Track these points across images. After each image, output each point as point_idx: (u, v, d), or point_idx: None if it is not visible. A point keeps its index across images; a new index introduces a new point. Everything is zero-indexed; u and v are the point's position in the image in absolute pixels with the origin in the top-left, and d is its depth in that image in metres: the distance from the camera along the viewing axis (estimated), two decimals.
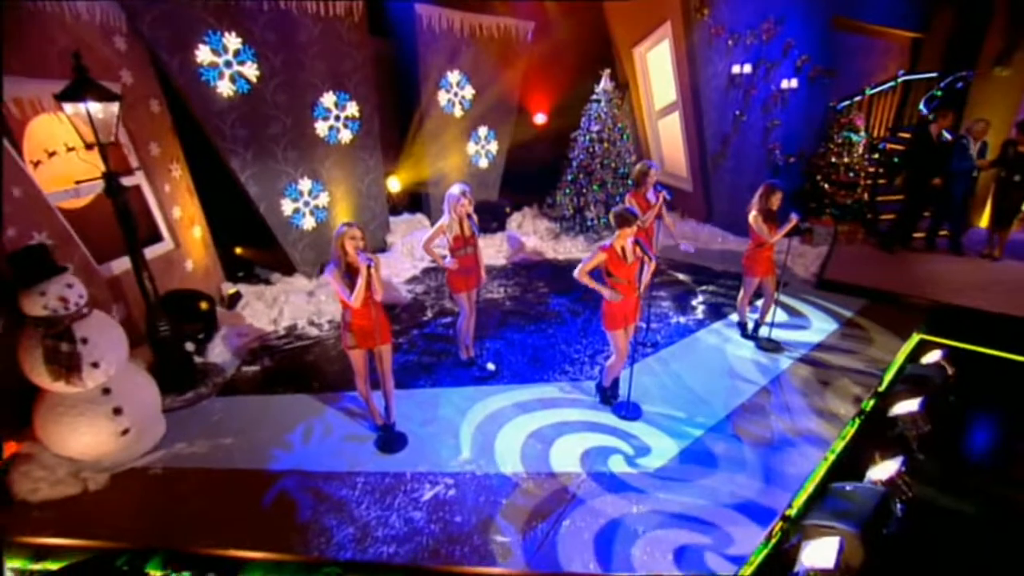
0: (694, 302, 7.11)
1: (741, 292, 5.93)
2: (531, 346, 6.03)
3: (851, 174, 8.67)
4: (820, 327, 6.35)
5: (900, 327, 6.22)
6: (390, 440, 4.64)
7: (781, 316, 6.51)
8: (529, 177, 9.99)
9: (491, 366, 5.56)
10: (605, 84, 8.66)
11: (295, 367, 5.83)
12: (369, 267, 4.11)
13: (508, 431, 4.74)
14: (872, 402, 5.05)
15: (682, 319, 6.65)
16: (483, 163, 9.80)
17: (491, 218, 9.46)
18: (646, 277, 4.38)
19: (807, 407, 4.96)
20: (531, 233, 9.53)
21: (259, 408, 5.23)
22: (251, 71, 6.75)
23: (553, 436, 4.66)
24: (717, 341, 6.08)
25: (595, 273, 4.39)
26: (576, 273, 4.29)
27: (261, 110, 6.96)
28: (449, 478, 4.25)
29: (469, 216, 5.02)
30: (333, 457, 4.58)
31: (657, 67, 9.40)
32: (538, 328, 6.43)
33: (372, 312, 4.24)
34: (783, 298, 6.92)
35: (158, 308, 5.21)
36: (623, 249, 4.32)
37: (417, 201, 9.47)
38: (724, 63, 8.48)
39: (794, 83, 8.56)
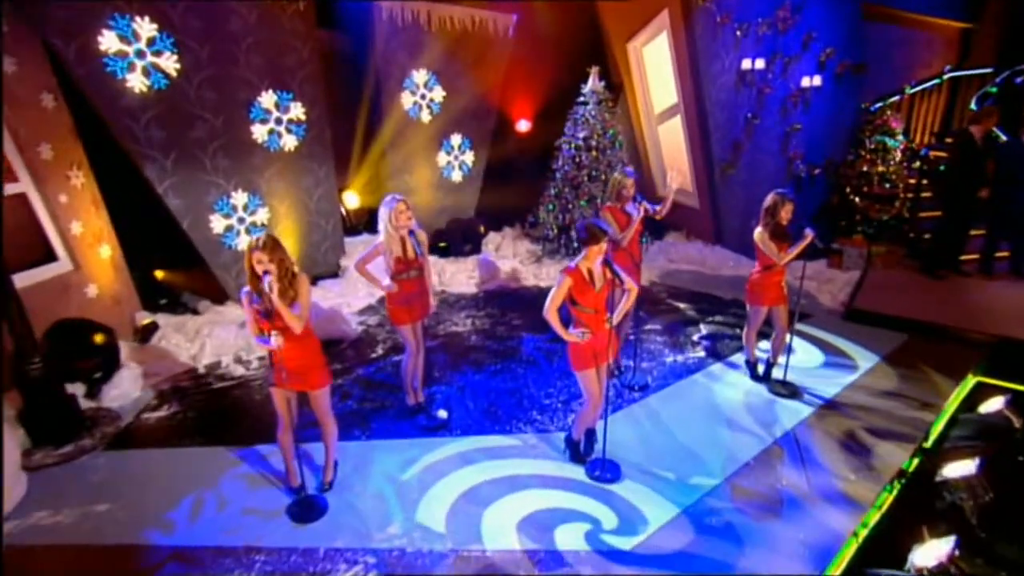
0: (696, 336, 6.91)
1: (747, 325, 5.64)
2: (494, 390, 5.80)
3: (887, 185, 8.48)
4: (849, 368, 6.13)
5: (951, 367, 5.99)
6: (305, 507, 4.30)
7: (803, 355, 6.34)
8: (511, 193, 9.85)
9: (442, 414, 5.30)
10: (593, 83, 8.51)
11: (210, 413, 5.56)
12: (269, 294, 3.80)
13: (452, 495, 4.42)
14: (916, 462, 4.74)
15: (679, 357, 6.42)
16: (456, 176, 9.77)
17: (462, 239, 9.26)
18: (621, 307, 4.14)
19: (830, 468, 4.63)
20: (510, 256, 9.37)
21: (155, 464, 4.84)
22: (169, 63, 6.53)
23: (508, 502, 4.34)
24: (720, 384, 5.84)
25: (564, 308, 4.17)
26: (545, 311, 4.04)
27: (183, 109, 6.72)
28: (371, 555, 3.90)
29: (411, 233, 4.76)
30: (230, 530, 4.18)
31: (655, 64, 9.32)
32: (506, 368, 6.23)
33: (299, 349, 3.99)
34: (805, 331, 6.79)
35: (28, 340, 4.73)
36: (590, 272, 4.07)
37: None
38: (732, 57, 8.34)
39: (817, 81, 8.46)
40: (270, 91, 7.38)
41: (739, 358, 6.26)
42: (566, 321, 4.21)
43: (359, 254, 5.09)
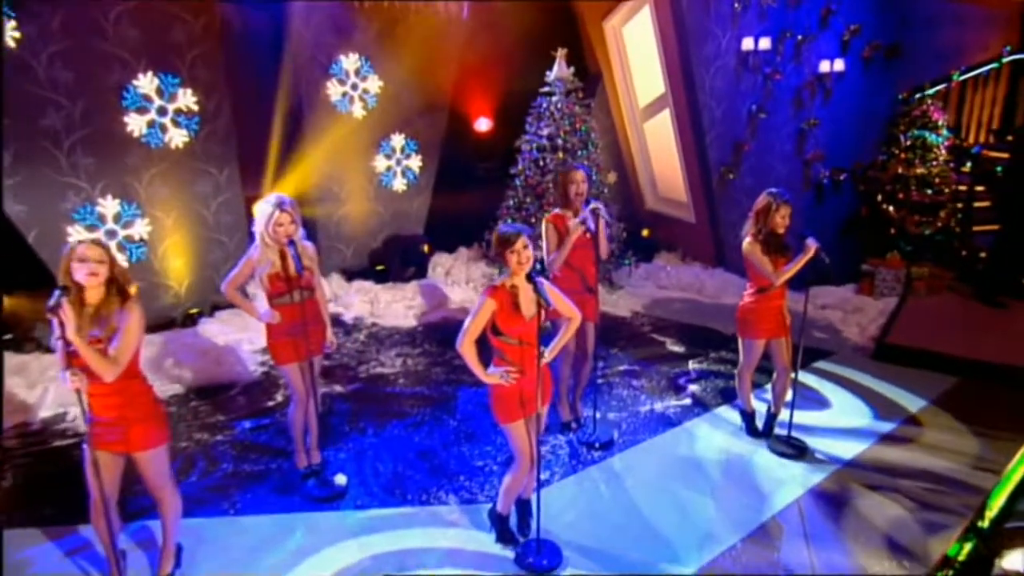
0: (682, 380, 6.77)
1: (740, 363, 5.43)
2: (416, 447, 5.58)
3: (929, 191, 8.40)
4: (878, 419, 5.97)
5: (1014, 421, 5.77)
6: None
7: (817, 403, 6.25)
8: (468, 205, 9.59)
9: (340, 480, 5.02)
10: (560, 70, 8.33)
11: (35, 482, 5.18)
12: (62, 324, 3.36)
13: None
14: (966, 547, 4.05)
15: (658, 406, 6.24)
16: (398, 185, 9.51)
17: (403, 261, 9.04)
18: (558, 339, 4.02)
19: (847, 553, 4.29)
20: (463, 282, 9.15)
21: None
22: (6, 31, 6.17)
23: None
24: (707, 440, 5.66)
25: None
26: (459, 343, 3.85)
27: (25, 90, 6.34)
28: None
29: (291, 243, 4.51)
30: None
31: (637, 47, 9.29)
32: (435, 418, 6.03)
33: (117, 396, 3.62)
34: (825, 371, 6.79)
35: None
36: (516, 293, 3.84)
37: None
38: (730, 36, 8.37)
39: (839, 65, 8.46)
40: (150, 73, 7.06)
41: (732, 408, 6.12)
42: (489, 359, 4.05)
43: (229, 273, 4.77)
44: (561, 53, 8.36)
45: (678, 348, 7.51)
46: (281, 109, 8.50)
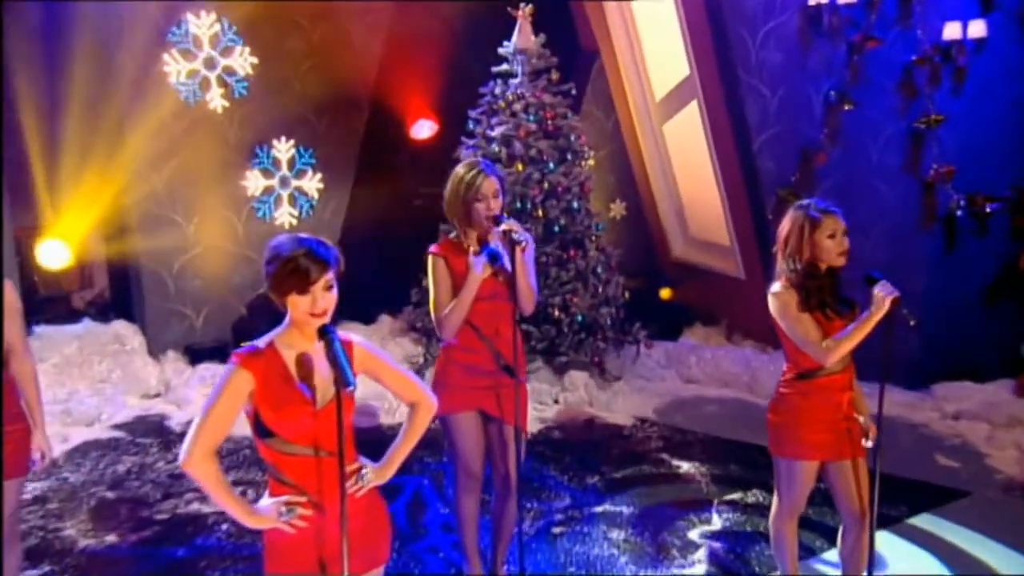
0: (697, 533, 6.18)
1: (774, 505, 4.87)
2: None
3: None
4: None
5: None
6: None
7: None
8: (398, 251, 9.17)
9: None
10: (522, 39, 8.24)
11: None
12: None
13: None
14: None
15: None
16: (284, 217, 9.29)
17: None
18: (397, 446, 3.61)
19: None
20: None
21: None
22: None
23: None
24: None
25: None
26: (184, 456, 3.31)
27: None
28: None
29: None
30: None
31: (649, 11, 9.38)
32: None
33: None
34: (948, 525, 6.17)
35: None
36: (299, 358, 3.40)
37: (123, 294, 9.00)
38: None
39: (978, 29, 8.00)
40: None
41: None
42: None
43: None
44: (526, 11, 8.24)
45: (702, 479, 7.08)
46: (82, 96, 8.37)
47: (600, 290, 8.38)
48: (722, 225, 9.36)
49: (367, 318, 9.38)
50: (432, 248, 4.82)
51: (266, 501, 3.32)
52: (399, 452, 3.51)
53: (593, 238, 8.60)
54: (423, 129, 10.08)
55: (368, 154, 9.63)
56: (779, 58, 8.39)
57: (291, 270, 3.10)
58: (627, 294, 8.49)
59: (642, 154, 10.11)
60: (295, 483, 3.28)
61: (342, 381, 3.05)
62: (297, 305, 3.13)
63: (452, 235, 4.86)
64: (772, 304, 4.50)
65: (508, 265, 4.62)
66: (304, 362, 3.24)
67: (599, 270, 8.40)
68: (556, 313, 8.16)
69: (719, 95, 8.90)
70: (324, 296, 3.15)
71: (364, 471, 3.37)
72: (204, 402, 3.33)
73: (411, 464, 6.75)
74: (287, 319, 3.24)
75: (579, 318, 8.20)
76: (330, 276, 3.19)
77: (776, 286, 4.47)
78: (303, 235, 3.37)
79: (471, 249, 4.77)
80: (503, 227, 4.60)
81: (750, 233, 9.06)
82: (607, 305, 8.77)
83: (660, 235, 10.31)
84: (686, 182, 9.80)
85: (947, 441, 7.30)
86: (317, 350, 3.23)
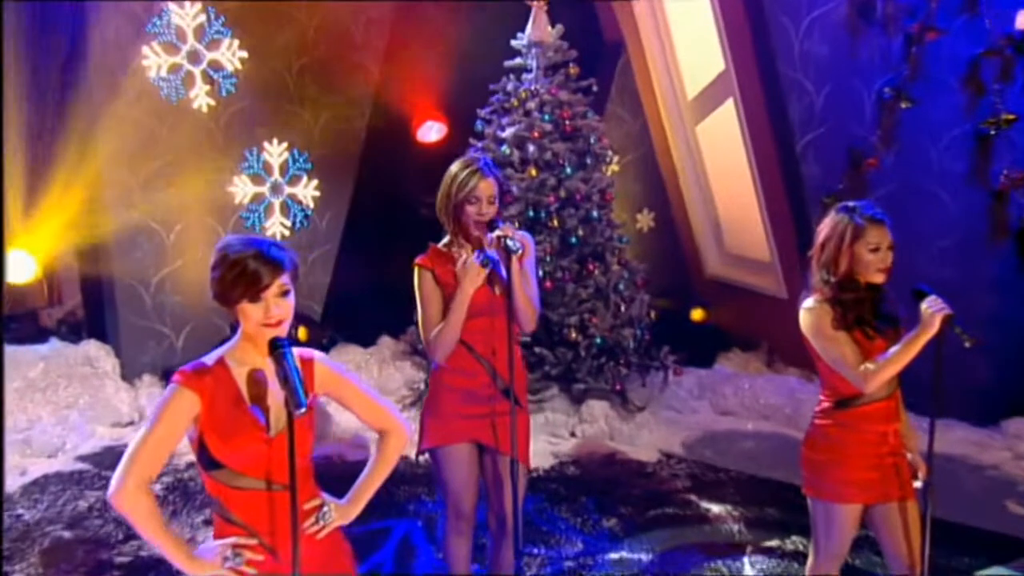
0: None
1: (811, 555, 4.75)
2: None
3: None
4: None
5: None
6: None
7: None
8: (402, 269, 8.83)
9: None
10: (537, 31, 8.25)
11: None
12: None
13: None
14: None
15: None
16: (276, 228, 9.24)
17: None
18: (364, 480, 3.48)
19: None
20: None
21: None
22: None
23: None
24: None
25: None
26: (113, 491, 3.16)
27: None
28: None
29: None
30: None
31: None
32: None
33: None
34: None
35: None
36: (254, 381, 3.31)
37: (96, 311, 9.04)
38: None
39: None
40: None
41: None
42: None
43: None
44: (538, 3, 8.31)
45: (734, 523, 6.89)
46: (54, 88, 8.41)
47: (623, 309, 8.31)
48: (762, 238, 9.39)
49: (366, 340, 9.42)
50: (418, 259, 4.71)
51: (211, 543, 3.18)
52: (366, 487, 3.35)
53: (615, 251, 8.56)
54: (431, 132, 10.11)
55: (369, 159, 9.64)
56: (825, 50, 8.39)
57: (239, 274, 2.99)
58: (653, 314, 8.48)
59: (672, 159, 10.19)
60: (244, 522, 3.17)
61: (293, 403, 2.88)
62: (249, 315, 3.03)
63: (441, 244, 4.76)
64: (804, 321, 4.37)
65: (503, 272, 4.51)
66: (257, 381, 3.14)
67: (621, 287, 8.38)
68: (573, 335, 8.09)
69: (758, 92, 8.92)
70: (278, 303, 3.03)
71: (325, 509, 3.21)
72: (141, 426, 3.28)
73: (405, 504, 7.12)
74: (238, 332, 3.14)
75: (598, 341, 8.09)
76: (285, 280, 3.05)
77: (809, 301, 4.34)
78: (254, 236, 3.46)
79: (460, 255, 4.67)
80: (496, 233, 4.49)
81: (792, 247, 8.94)
82: (630, 326, 8.69)
83: (692, 249, 10.37)
84: (721, 190, 9.87)
85: (1020, 485, 7.27)
86: (272, 367, 3.10)
